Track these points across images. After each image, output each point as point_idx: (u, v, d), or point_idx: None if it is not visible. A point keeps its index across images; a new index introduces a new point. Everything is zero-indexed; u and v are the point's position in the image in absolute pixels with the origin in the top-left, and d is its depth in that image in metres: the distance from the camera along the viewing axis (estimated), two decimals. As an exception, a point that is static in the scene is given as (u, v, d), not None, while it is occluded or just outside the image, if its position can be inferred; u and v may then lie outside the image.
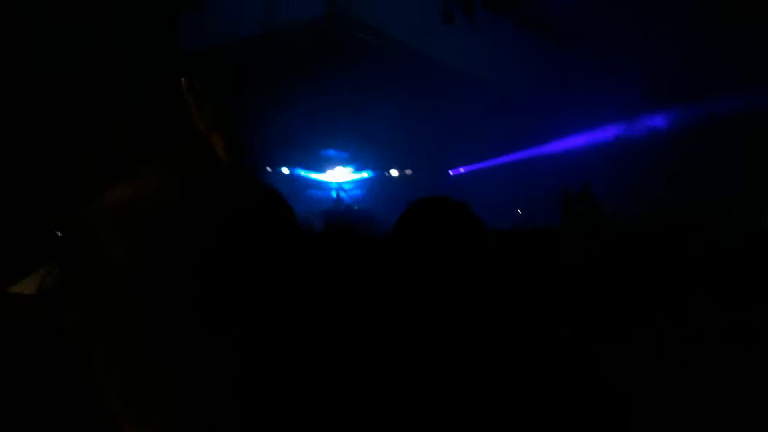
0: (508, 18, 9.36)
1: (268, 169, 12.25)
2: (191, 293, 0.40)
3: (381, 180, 13.34)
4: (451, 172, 13.40)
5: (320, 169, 13.23)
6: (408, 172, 13.21)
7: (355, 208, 11.59)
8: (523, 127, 10.75)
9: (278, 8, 10.04)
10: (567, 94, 9.85)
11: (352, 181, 13.49)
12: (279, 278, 0.47)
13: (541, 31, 9.52)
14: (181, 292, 0.40)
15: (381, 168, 13.33)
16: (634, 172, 9.23)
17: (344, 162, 13.33)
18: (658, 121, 9.38)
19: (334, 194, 12.55)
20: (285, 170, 12.69)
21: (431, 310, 1.09)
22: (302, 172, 13.08)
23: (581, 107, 9.72)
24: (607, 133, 9.90)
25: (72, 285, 0.45)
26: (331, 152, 13.08)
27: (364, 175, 13.49)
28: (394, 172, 13.38)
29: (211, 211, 0.44)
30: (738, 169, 7.74)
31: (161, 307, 0.43)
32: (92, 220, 0.46)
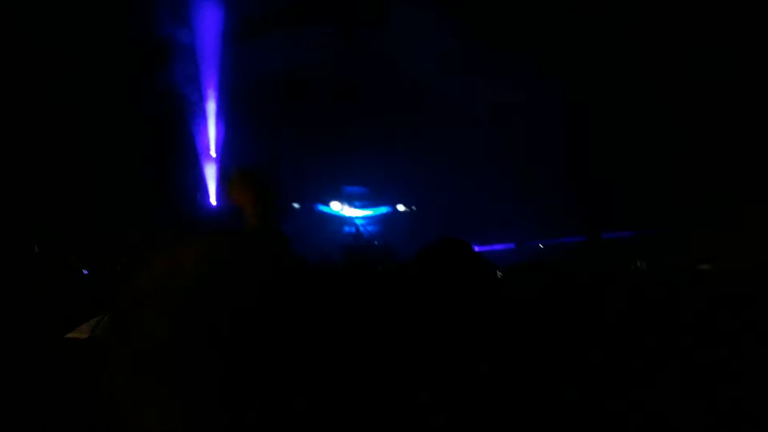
0: (526, 65, 9.59)
1: (295, 205, 12.53)
2: (219, 361, 0.46)
3: (399, 215, 13.49)
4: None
5: (341, 204, 13.49)
6: (413, 207, 13.39)
7: (375, 243, 11.70)
8: (536, 165, 10.89)
9: (303, 54, 10.41)
10: (580, 132, 10.00)
11: (372, 216, 13.67)
12: (301, 346, 0.50)
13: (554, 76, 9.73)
14: (210, 360, 0.47)
15: (399, 203, 13.50)
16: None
17: (364, 198, 13.56)
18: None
19: (353, 229, 12.71)
20: (304, 206, 12.98)
21: (445, 337, 1.19)
22: (324, 208, 13.34)
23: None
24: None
25: (112, 352, 0.50)
26: (352, 189, 13.34)
27: (382, 210, 13.67)
28: (411, 208, 13.53)
29: (239, 286, 0.49)
30: None
31: (191, 373, 0.46)
32: (132, 293, 0.50)
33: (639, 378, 1.50)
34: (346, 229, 13.19)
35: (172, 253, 0.52)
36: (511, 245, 11.78)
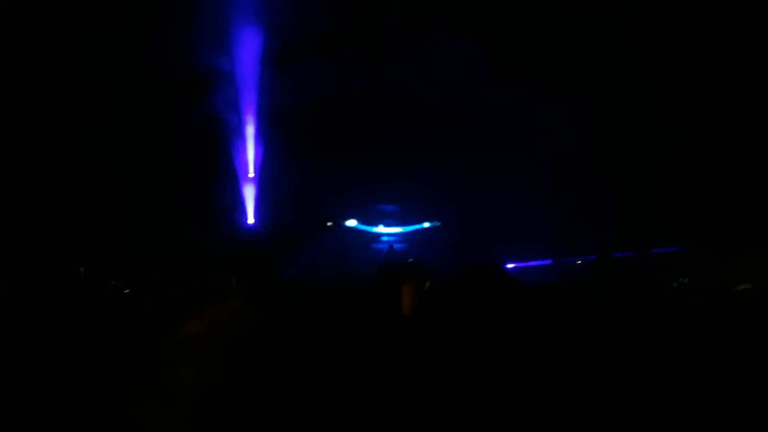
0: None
1: (331, 224, 12.77)
2: (250, 412, 0.49)
3: (432, 232, 13.51)
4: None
5: (375, 223, 13.63)
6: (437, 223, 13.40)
7: (409, 260, 11.71)
8: (571, 180, 10.81)
9: (336, 78, 10.65)
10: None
11: (405, 234, 13.74)
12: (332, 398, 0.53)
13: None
14: (241, 411, 0.49)
15: (430, 220, 13.54)
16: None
17: (396, 216, 13.68)
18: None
19: (386, 246, 12.81)
20: (337, 224, 13.21)
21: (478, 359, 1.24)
22: (357, 226, 13.51)
23: None
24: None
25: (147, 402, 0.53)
26: (384, 207, 13.48)
27: (415, 226, 13.73)
28: (441, 224, 13.55)
29: (270, 345, 0.51)
30: None
31: (216, 420, 0.48)
32: (168, 345, 0.53)
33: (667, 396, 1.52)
34: (379, 246, 13.30)
35: (209, 309, 0.58)
36: (548, 261, 11.63)
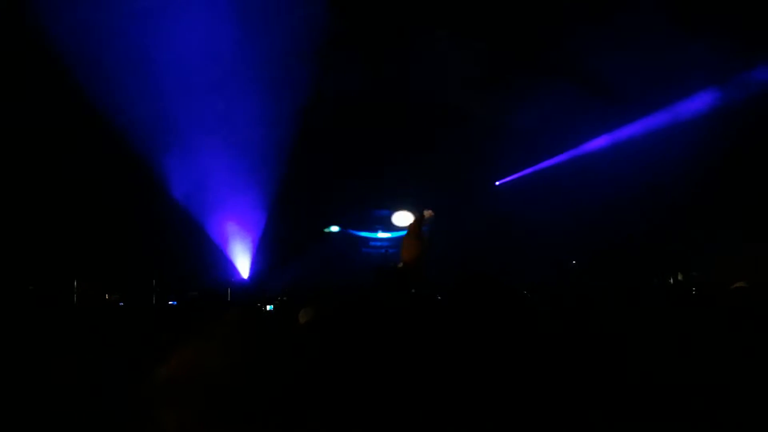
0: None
1: (331, 230, 12.76)
2: None
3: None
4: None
5: (370, 228, 13.67)
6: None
7: (400, 265, 11.71)
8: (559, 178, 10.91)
9: (331, 82, 10.61)
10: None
11: (398, 238, 13.75)
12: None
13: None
14: None
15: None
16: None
17: (390, 220, 13.72)
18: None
19: (382, 251, 12.84)
20: (337, 229, 13.25)
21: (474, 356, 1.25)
22: (354, 232, 13.57)
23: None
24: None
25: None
26: (378, 212, 13.52)
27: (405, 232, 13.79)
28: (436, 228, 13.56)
29: (252, 383, 0.50)
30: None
31: None
32: (154, 384, 0.52)
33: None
34: (374, 251, 13.33)
35: (192, 344, 0.56)
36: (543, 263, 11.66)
